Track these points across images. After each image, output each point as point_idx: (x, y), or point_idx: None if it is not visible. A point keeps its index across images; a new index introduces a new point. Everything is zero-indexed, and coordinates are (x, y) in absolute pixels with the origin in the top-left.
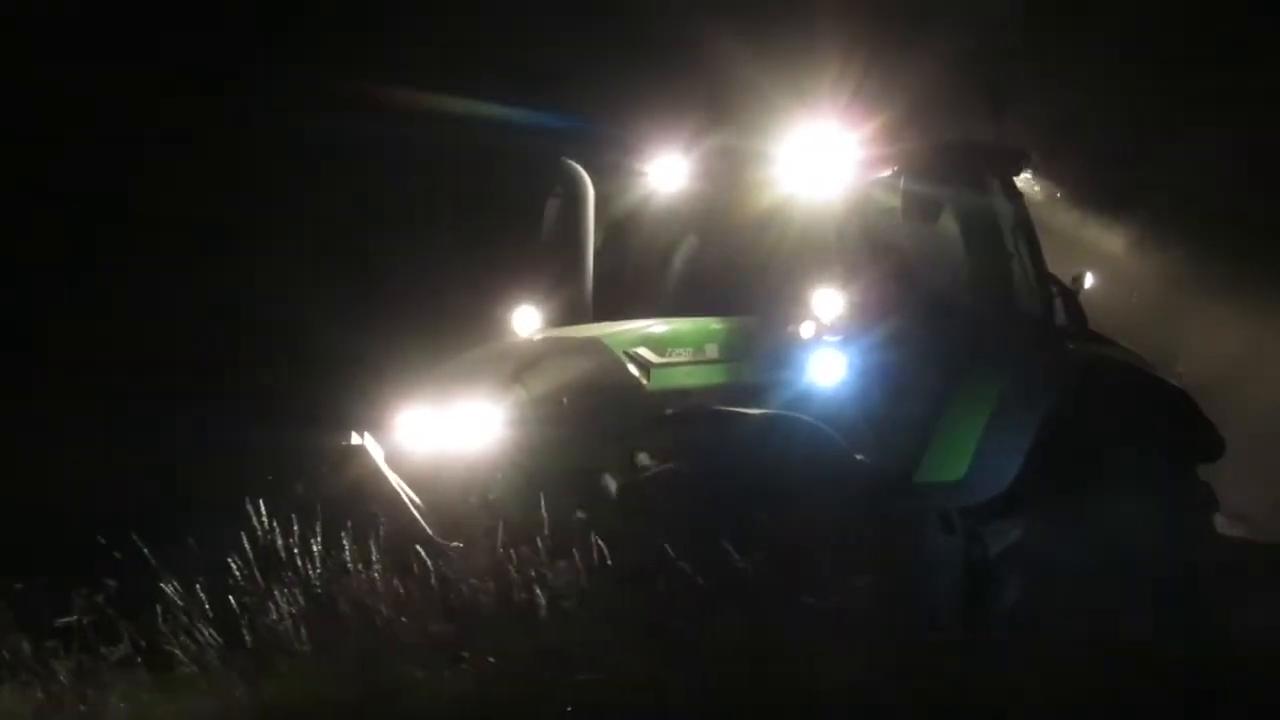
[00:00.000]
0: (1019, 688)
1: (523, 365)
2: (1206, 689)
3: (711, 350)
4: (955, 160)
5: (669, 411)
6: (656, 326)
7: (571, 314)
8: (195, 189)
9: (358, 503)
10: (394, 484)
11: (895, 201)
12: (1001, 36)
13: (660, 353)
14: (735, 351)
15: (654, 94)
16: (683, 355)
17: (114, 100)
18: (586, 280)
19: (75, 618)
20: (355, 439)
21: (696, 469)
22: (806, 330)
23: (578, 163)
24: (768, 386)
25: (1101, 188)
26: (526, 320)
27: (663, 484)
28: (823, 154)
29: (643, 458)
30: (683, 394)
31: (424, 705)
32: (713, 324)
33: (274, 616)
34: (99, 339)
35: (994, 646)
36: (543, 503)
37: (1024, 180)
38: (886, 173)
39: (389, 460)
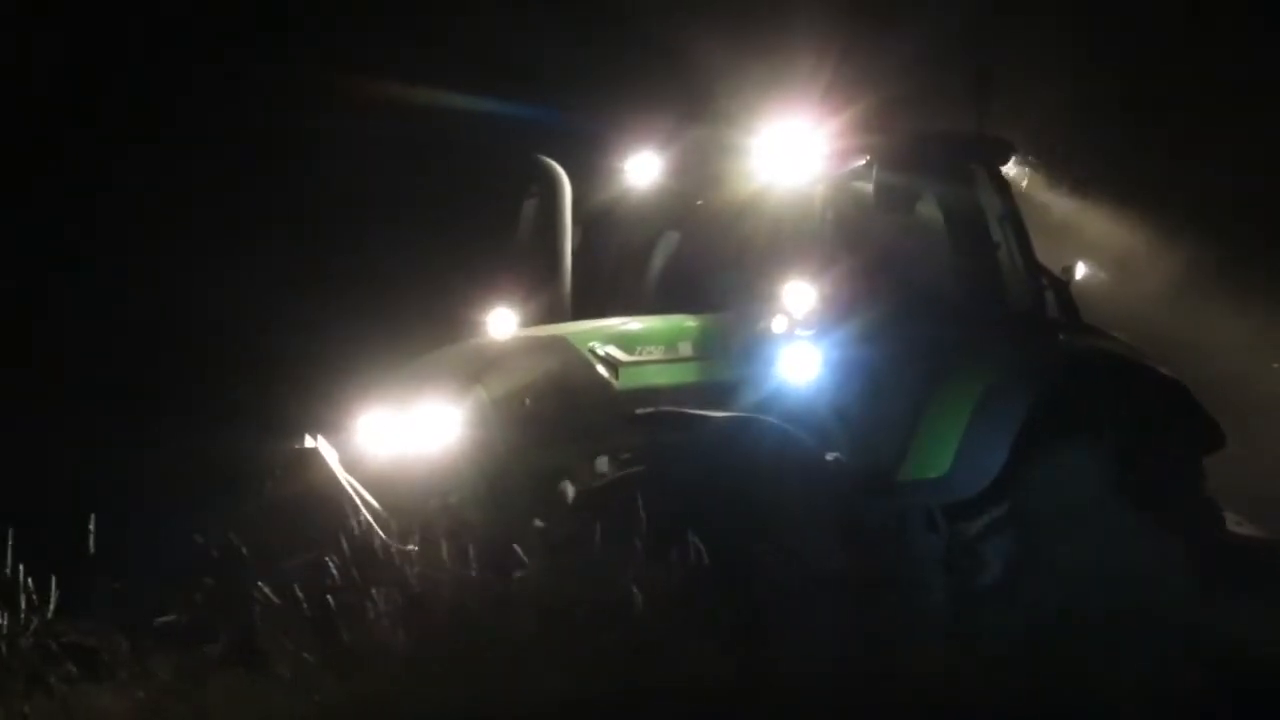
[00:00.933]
0: (1004, 686)
1: (484, 366)
2: (1203, 689)
3: (685, 348)
4: (932, 150)
5: (637, 412)
6: (626, 324)
7: (549, 314)
8: (142, 183)
9: (310, 508)
10: (348, 488)
11: (869, 193)
12: (988, 21)
13: (630, 351)
14: (710, 349)
15: (629, 87)
16: (654, 353)
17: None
18: (564, 280)
19: (174, 617)
20: (309, 442)
21: (660, 474)
22: (783, 326)
23: (554, 160)
24: (743, 384)
25: (1097, 177)
26: (503, 321)
27: (622, 492)
28: (798, 145)
29: (601, 462)
30: (654, 393)
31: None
32: (686, 321)
33: (370, 615)
34: (41, 338)
35: (978, 644)
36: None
37: (1013, 170)
38: (860, 164)
39: (345, 464)
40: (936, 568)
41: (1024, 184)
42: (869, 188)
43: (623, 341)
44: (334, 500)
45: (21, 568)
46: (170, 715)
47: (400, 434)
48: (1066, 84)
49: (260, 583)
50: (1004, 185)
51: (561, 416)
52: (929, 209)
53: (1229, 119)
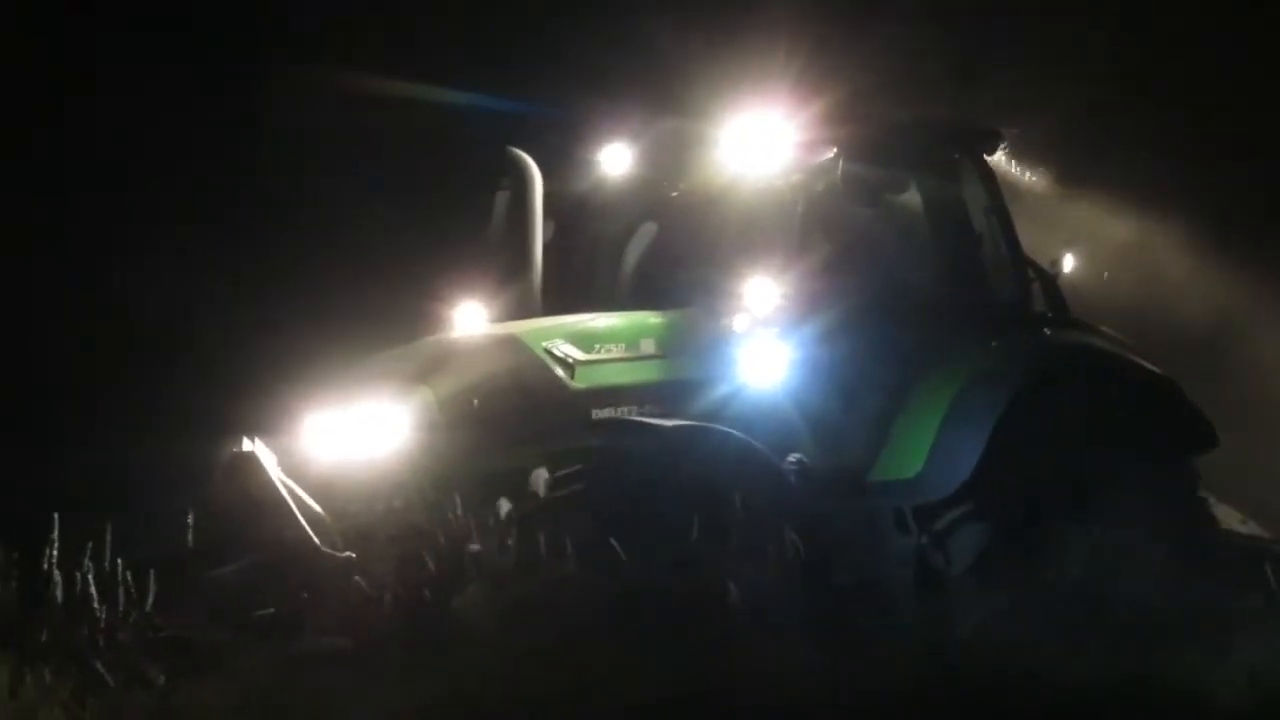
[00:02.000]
0: (979, 689)
1: (431, 365)
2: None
3: (648, 345)
4: (910, 140)
5: (592, 417)
6: (584, 321)
7: (520, 310)
8: (80, 173)
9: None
10: (282, 492)
11: (842, 185)
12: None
13: (587, 349)
14: (674, 346)
15: (601, 77)
16: (614, 351)
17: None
18: (535, 274)
19: (271, 609)
20: (246, 445)
21: (609, 486)
22: (748, 323)
23: (525, 152)
24: (707, 382)
25: (1088, 167)
26: (471, 317)
27: (565, 509)
28: (768, 136)
29: (538, 476)
30: (613, 392)
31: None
32: (650, 318)
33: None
34: None
35: (952, 648)
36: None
37: (998, 159)
38: (832, 155)
39: (286, 467)
40: (907, 569)
41: (1014, 174)
42: (841, 179)
43: (580, 339)
44: (269, 506)
45: (120, 561)
46: (267, 708)
47: (343, 436)
48: (1061, 72)
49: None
50: (989, 175)
51: (511, 418)
52: (908, 200)
53: (1234, 107)
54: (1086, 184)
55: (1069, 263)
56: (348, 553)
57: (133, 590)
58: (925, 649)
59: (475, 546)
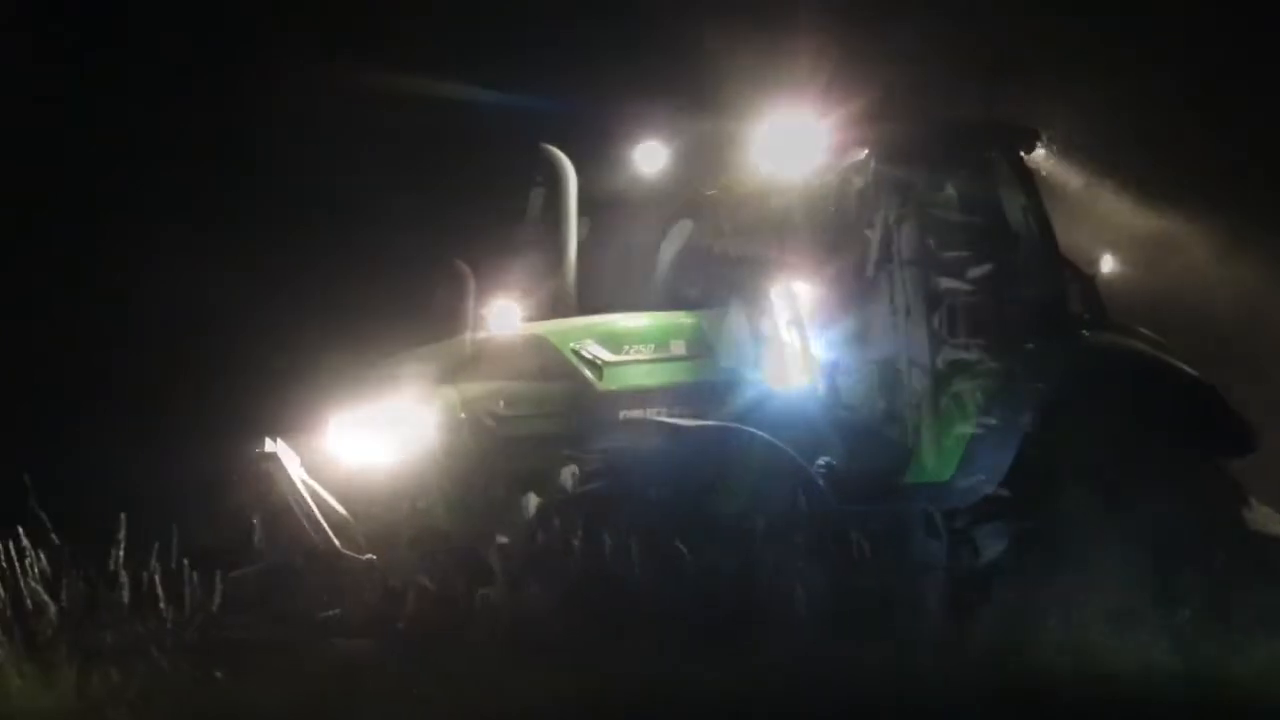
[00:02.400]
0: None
1: (457, 366)
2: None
3: (678, 346)
4: (944, 140)
5: (620, 418)
6: (614, 321)
7: (555, 307)
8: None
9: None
10: (303, 494)
11: (874, 185)
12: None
13: (616, 350)
14: (704, 347)
15: (635, 74)
16: (643, 352)
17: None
18: (570, 274)
19: (335, 610)
20: (269, 446)
21: (628, 486)
22: (781, 324)
23: (560, 149)
24: (738, 384)
25: (1125, 165)
26: (503, 317)
27: (586, 506)
28: (803, 136)
29: (567, 473)
30: (641, 394)
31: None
32: (681, 318)
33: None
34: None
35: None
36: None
37: (1038, 159)
38: (864, 155)
39: (309, 468)
40: (938, 572)
41: (1053, 173)
42: (875, 180)
43: (609, 340)
44: (291, 507)
45: (186, 562)
46: (326, 708)
47: (369, 437)
48: (1102, 69)
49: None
50: (1026, 175)
51: (535, 419)
52: (944, 201)
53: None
54: (1124, 183)
55: (1107, 263)
56: (369, 555)
57: (198, 590)
58: (954, 652)
59: (502, 540)
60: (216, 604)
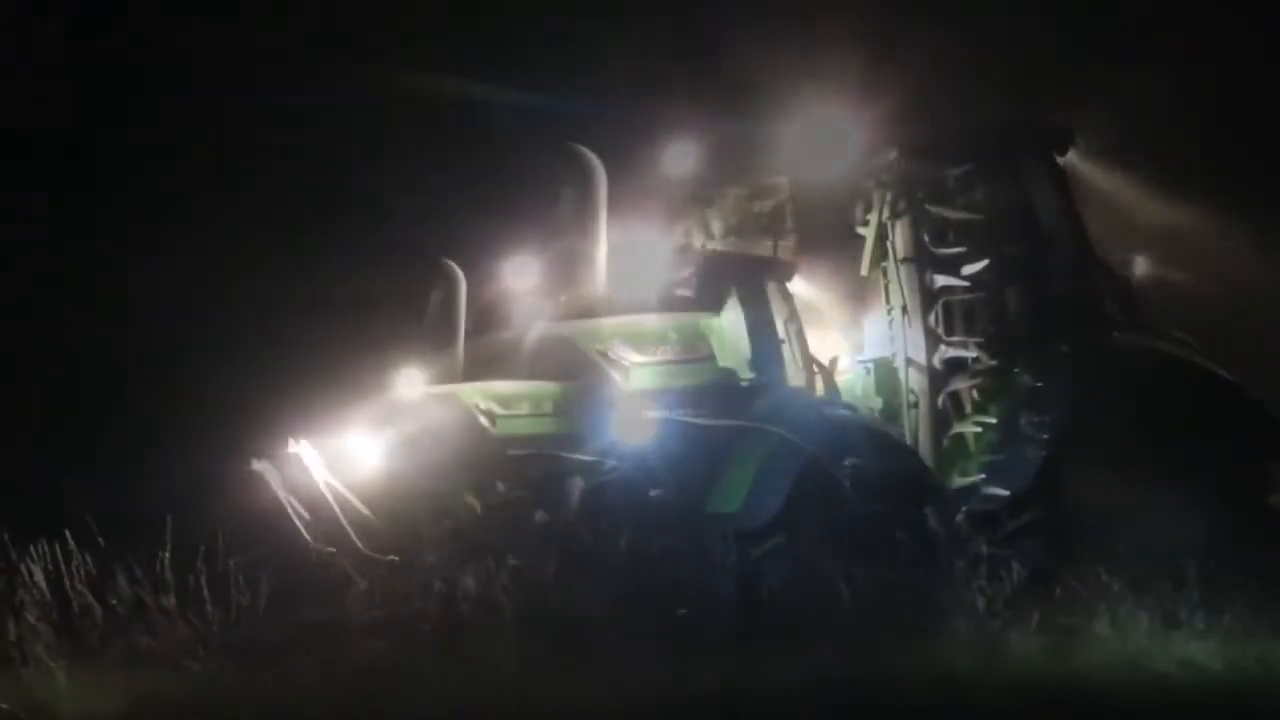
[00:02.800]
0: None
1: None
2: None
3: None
4: (976, 140)
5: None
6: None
7: (583, 309)
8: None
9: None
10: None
11: (905, 185)
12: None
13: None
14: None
15: (664, 76)
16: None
17: None
18: (600, 273)
19: (383, 610)
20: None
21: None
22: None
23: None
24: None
25: (1162, 165)
26: (535, 316)
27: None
28: (832, 137)
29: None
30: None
31: None
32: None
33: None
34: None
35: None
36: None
37: (1070, 159)
38: (894, 155)
39: (334, 469)
40: (964, 572)
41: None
42: (905, 181)
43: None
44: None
45: (233, 564)
46: (371, 702)
47: (390, 438)
48: (1133, 67)
49: None
50: (1059, 176)
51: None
52: (972, 202)
53: None
54: (1160, 183)
55: (1141, 265)
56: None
57: (245, 592)
58: (983, 650)
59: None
60: (263, 606)
